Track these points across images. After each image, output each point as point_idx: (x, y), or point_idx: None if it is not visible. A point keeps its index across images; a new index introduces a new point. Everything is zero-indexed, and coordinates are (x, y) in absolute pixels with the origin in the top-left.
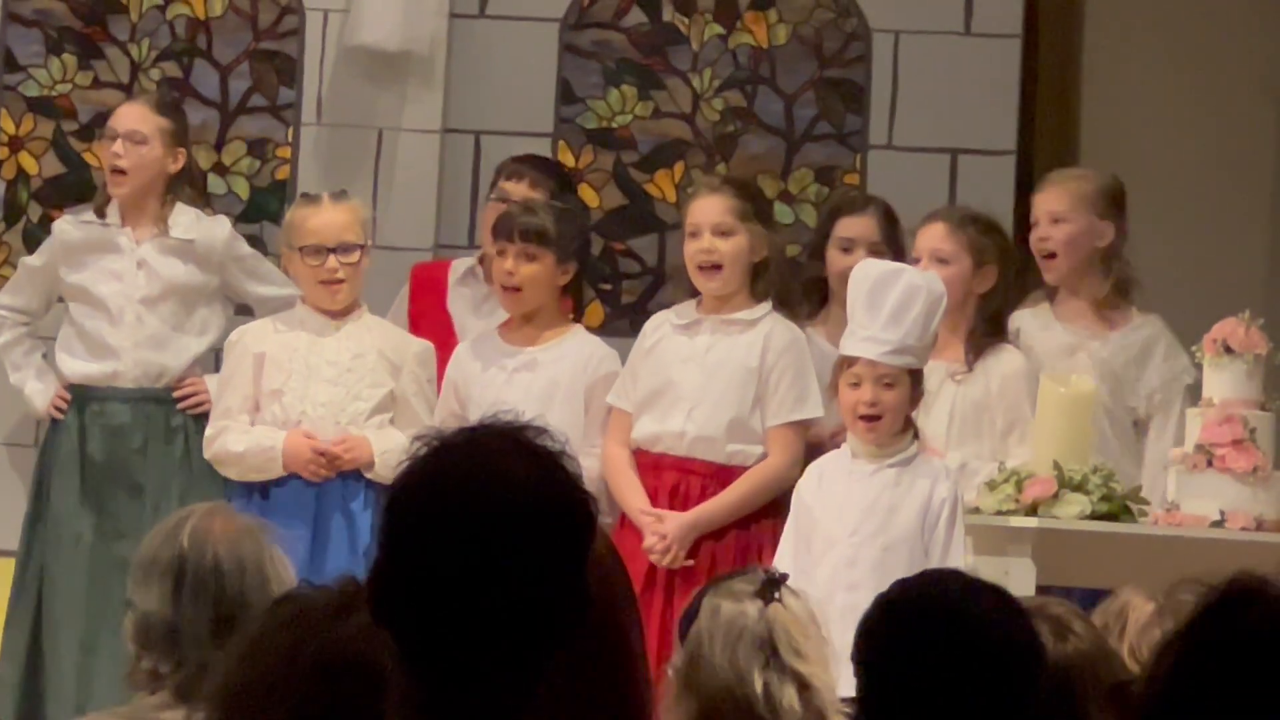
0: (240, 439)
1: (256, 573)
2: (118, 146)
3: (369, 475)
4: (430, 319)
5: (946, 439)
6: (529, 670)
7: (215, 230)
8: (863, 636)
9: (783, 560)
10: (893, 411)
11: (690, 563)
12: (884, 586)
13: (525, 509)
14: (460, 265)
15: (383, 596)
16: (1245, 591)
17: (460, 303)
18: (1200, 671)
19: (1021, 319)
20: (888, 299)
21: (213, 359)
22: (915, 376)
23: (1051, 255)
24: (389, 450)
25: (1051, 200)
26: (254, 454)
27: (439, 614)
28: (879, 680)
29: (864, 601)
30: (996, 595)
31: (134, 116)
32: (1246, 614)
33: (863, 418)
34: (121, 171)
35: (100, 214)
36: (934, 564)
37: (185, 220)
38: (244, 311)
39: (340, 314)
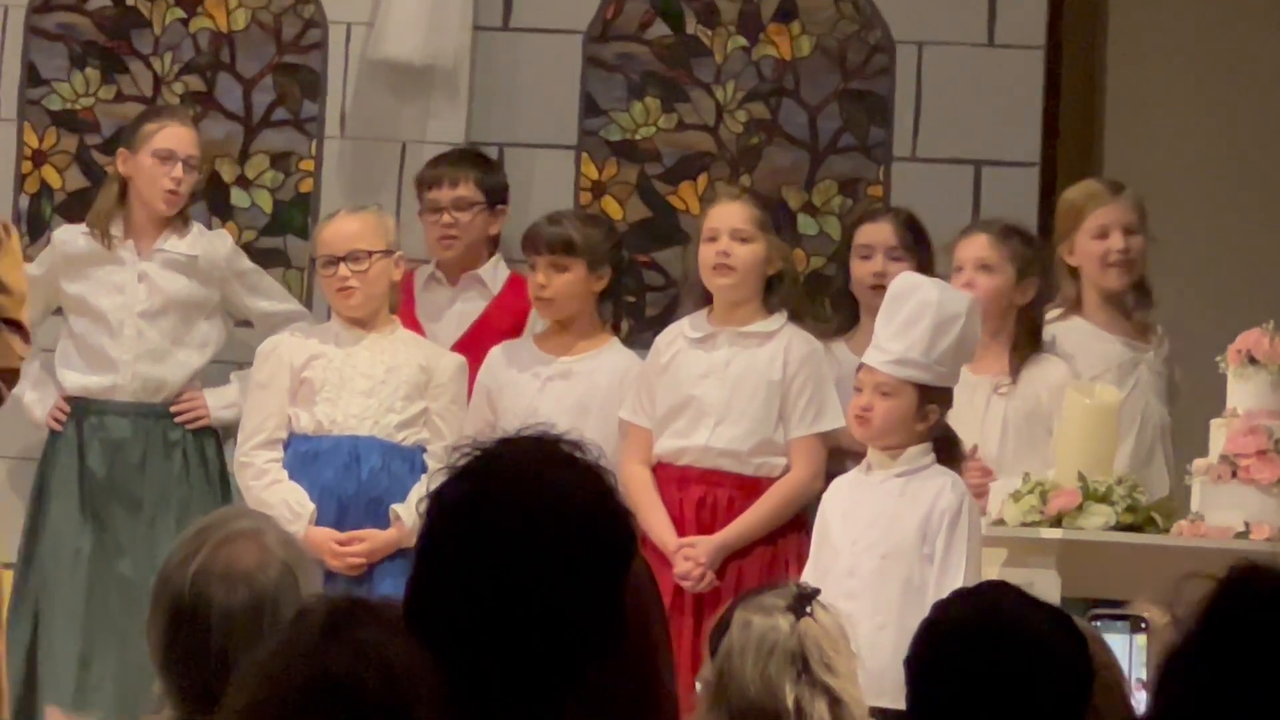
0: (271, 494)
1: (250, 623)
2: (178, 170)
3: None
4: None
5: (1000, 454)
6: (562, 685)
7: (217, 245)
8: (914, 651)
9: (808, 573)
10: (884, 418)
11: (717, 583)
12: (881, 597)
13: (570, 521)
14: (423, 272)
15: (419, 605)
16: (1246, 575)
17: (425, 309)
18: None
19: (1055, 330)
20: (901, 311)
21: (212, 373)
22: (925, 393)
23: (1131, 263)
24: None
25: (1128, 211)
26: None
27: (476, 626)
28: (928, 695)
29: (862, 611)
30: (1049, 612)
31: (191, 142)
32: (1252, 594)
33: (856, 418)
34: (177, 194)
35: (104, 229)
36: (934, 576)
37: (188, 235)
38: (245, 326)
39: (370, 326)
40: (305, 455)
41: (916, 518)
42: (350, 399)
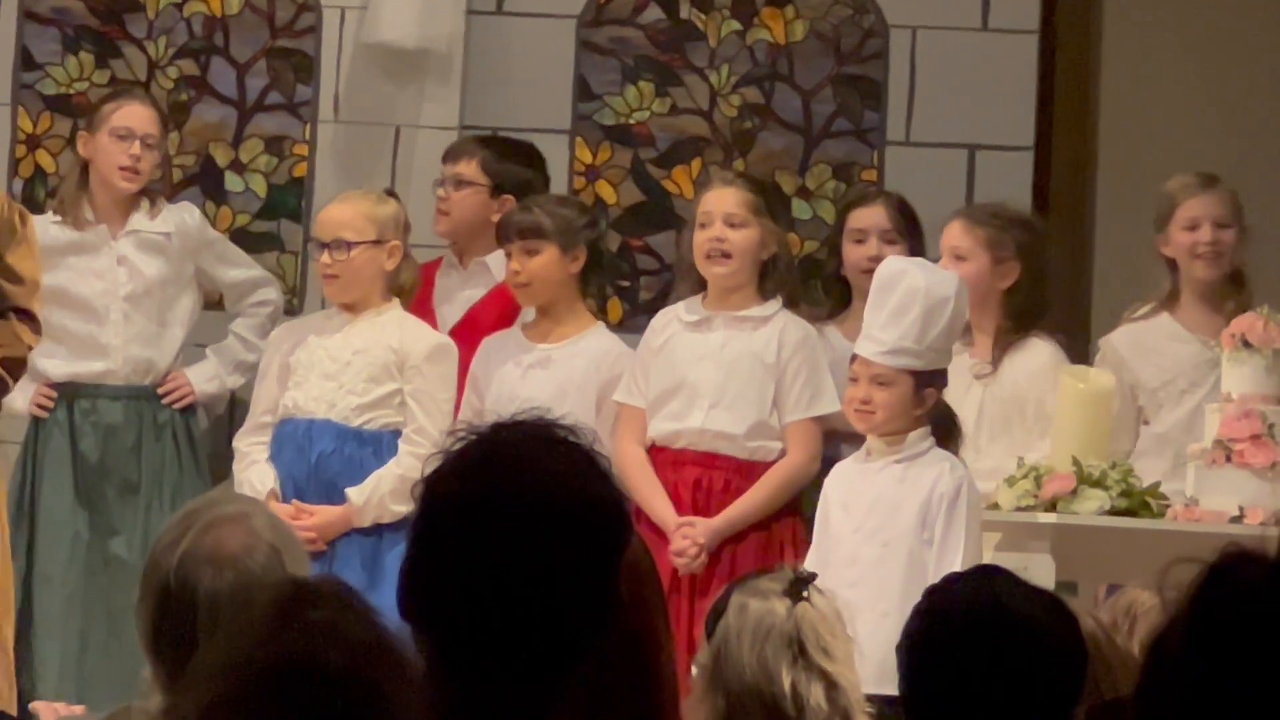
0: (245, 475)
1: (237, 607)
2: (135, 148)
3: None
4: (421, 316)
5: (975, 438)
6: (560, 669)
7: (186, 218)
8: (907, 635)
9: (810, 561)
10: (886, 409)
11: (706, 561)
12: (884, 585)
13: (563, 505)
14: (448, 257)
15: (414, 592)
16: (1235, 560)
17: (442, 293)
18: (1205, 639)
19: (1137, 328)
20: (890, 299)
21: (190, 350)
22: (921, 377)
23: (1220, 255)
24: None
25: (1218, 204)
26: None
27: (471, 610)
28: (921, 680)
29: (865, 600)
30: (1041, 596)
31: (149, 120)
32: (1241, 579)
33: (856, 411)
34: (137, 171)
35: (74, 214)
36: (933, 559)
37: (159, 214)
38: (214, 306)
39: (358, 310)
40: (275, 439)
41: (916, 503)
42: (313, 382)
